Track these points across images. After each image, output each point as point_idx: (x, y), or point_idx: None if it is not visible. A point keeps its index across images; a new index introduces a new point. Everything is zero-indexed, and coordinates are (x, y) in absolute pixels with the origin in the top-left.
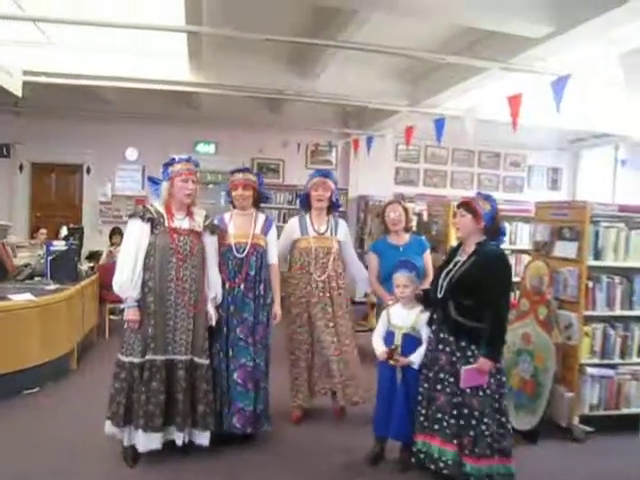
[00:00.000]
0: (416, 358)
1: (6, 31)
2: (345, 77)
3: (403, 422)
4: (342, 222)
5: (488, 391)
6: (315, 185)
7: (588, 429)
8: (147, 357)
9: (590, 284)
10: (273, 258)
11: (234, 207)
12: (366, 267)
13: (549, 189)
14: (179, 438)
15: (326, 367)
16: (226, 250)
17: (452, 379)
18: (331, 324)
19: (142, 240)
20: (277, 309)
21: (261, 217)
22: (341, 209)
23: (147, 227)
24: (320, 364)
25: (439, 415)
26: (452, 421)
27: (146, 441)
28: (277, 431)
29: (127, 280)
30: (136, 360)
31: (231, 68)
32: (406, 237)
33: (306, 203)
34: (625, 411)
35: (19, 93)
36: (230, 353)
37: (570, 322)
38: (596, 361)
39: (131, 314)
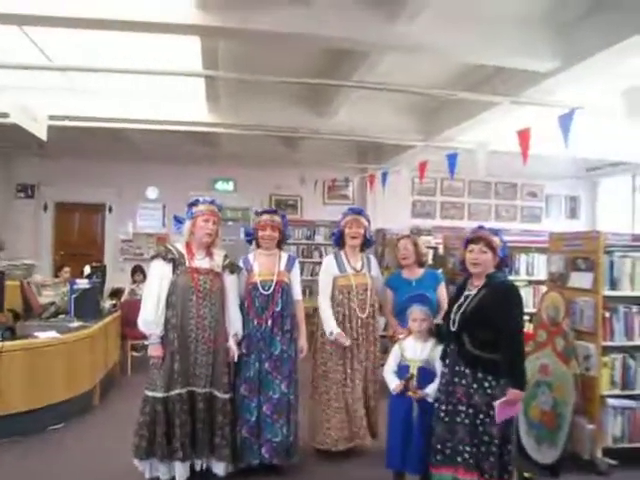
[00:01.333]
0: (431, 390)
1: (32, 77)
2: (359, 114)
3: (422, 455)
4: (373, 258)
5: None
6: (349, 223)
7: (612, 462)
8: (175, 391)
9: (607, 314)
10: (298, 294)
11: (258, 247)
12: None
13: (568, 218)
14: (197, 464)
15: (359, 409)
16: (252, 288)
17: (471, 410)
18: (367, 363)
19: (164, 279)
20: (303, 343)
21: (284, 255)
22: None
23: (169, 267)
24: (355, 405)
25: (460, 447)
26: (474, 450)
27: (183, 471)
28: (298, 464)
29: (150, 318)
30: (159, 395)
31: (248, 108)
32: (419, 271)
33: (340, 241)
34: None
35: (44, 137)
36: (260, 387)
37: (588, 353)
38: (617, 392)
39: (154, 350)
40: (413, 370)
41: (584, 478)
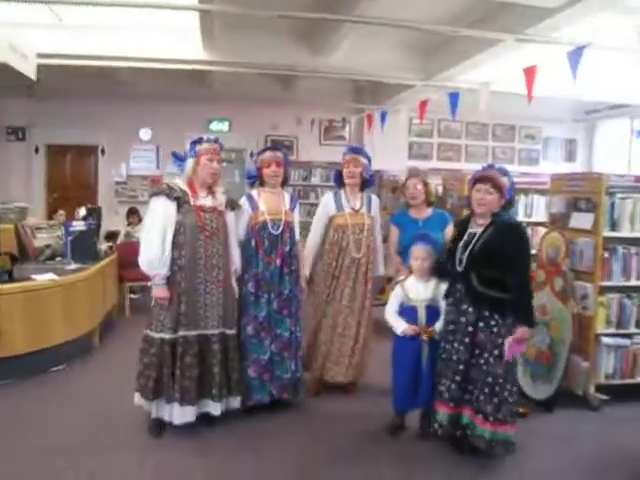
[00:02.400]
0: (439, 328)
1: (19, 14)
2: (358, 52)
3: (431, 392)
4: (375, 198)
5: (511, 360)
6: (347, 162)
7: (604, 397)
8: (180, 333)
9: (606, 255)
10: (297, 235)
11: (262, 185)
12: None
13: (565, 161)
14: (216, 409)
15: (341, 353)
16: (261, 227)
17: (476, 350)
18: (357, 304)
19: (169, 218)
20: (303, 283)
21: (287, 194)
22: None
23: (173, 205)
24: (337, 348)
25: (462, 386)
26: (476, 390)
27: (182, 414)
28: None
29: (156, 258)
30: (167, 336)
31: (244, 46)
32: (428, 211)
33: (339, 180)
34: None
35: (33, 76)
36: (270, 326)
37: (586, 293)
38: (612, 331)
39: (160, 291)
40: (421, 310)
41: (577, 413)
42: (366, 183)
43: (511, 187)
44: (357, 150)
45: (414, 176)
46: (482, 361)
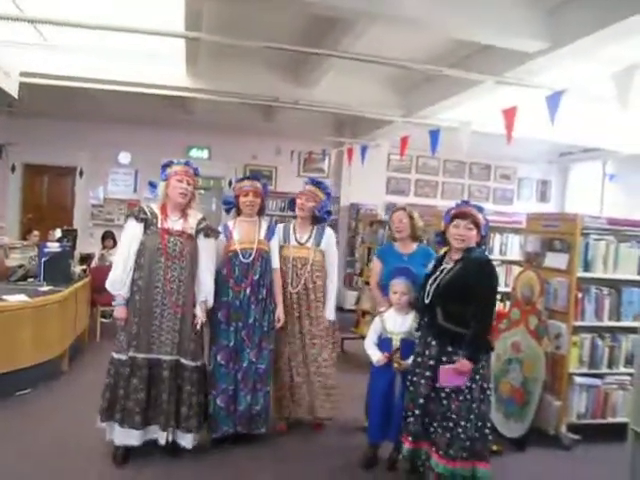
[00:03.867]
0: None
1: (3, 31)
2: (340, 86)
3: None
4: (329, 231)
5: (469, 396)
6: (301, 194)
7: (575, 437)
8: (130, 354)
9: (580, 295)
10: (275, 263)
11: (238, 214)
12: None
13: (538, 201)
14: (162, 438)
15: (301, 388)
16: (232, 256)
17: (423, 380)
18: (307, 340)
19: (134, 240)
20: (280, 312)
21: (264, 223)
22: (332, 217)
23: (140, 227)
24: (299, 382)
25: (425, 420)
26: (436, 425)
27: (123, 436)
28: (270, 435)
29: (118, 278)
30: (123, 357)
31: (227, 75)
32: (413, 246)
33: (292, 209)
34: (612, 420)
35: (15, 94)
36: (237, 354)
37: (560, 332)
38: (584, 370)
39: (119, 312)
40: (396, 342)
41: (549, 452)
42: (317, 219)
43: (486, 224)
44: (317, 183)
45: (400, 209)
46: (442, 395)
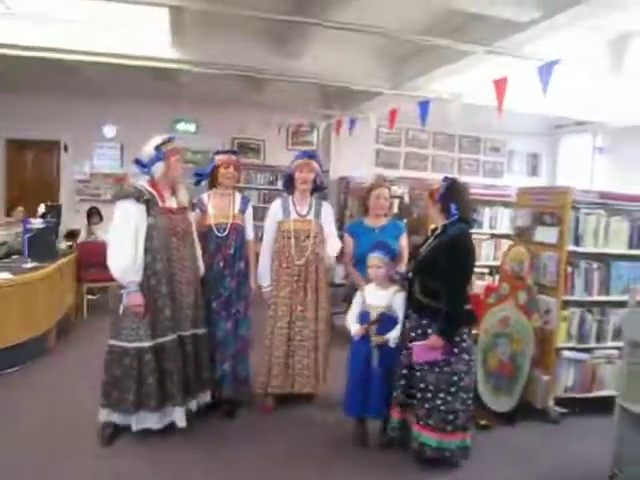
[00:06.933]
0: (393, 336)
1: None
2: (329, 58)
3: (381, 401)
4: (326, 205)
5: (447, 369)
6: (300, 166)
7: (563, 411)
8: (166, 338)
9: (569, 269)
10: (250, 235)
11: (214, 186)
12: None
13: (529, 175)
14: (181, 420)
15: (302, 361)
16: (207, 230)
17: (405, 352)
18: (310, 313)
19: (140, 223)
20: (252, 283)
21: (238, 196)
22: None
23: (143, 209)
24: (297, 359)
25: (405, 391)
26: (399, 391)
27: (160, 419)
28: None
29: (130, 265)
30: (147, 344)
31: (214, 45)
32: (383, 220)
33: (290, 185)
34: (599, 393)
35: None
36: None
37: (549, 307)
38: (573, 345)
39: (134, 299)
40: (373, 315)
41: (537, 425)
42: (316, 189)
43: (442, 192)
44: (311, 155)
45: (380, 186)
46: (420, 367)
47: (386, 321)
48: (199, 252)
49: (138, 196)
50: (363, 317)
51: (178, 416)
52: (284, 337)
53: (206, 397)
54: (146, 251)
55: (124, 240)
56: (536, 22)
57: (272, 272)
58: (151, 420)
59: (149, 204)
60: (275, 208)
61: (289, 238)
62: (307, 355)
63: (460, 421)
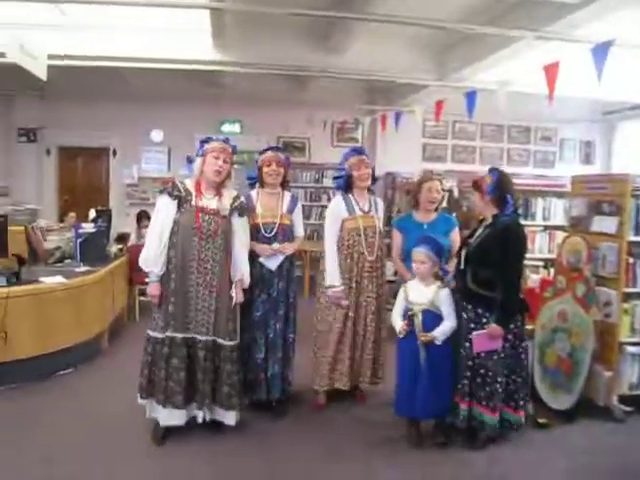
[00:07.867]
0: (439, 333)
1: (26, 14)
2: (371, 52)
3: (429, 401)
4: (380, 200)
5: (502, 354)
6: (356, 165)
7: (627, 409)
8: (167, 334)
9: (631, 260)
10: (299, 232)
11: (262, 185)
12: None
13: (582, 163)
14: (199, 416)
15: (369, 355)
16: (254, 230)
17: (467, 344)
18: (376, 307)
19: (168, 217)
20: (286, 245)
21: (287, 195)
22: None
23: (174, 204)
24: (366, 351)
25: (466, 381)
26: (466, 382)
27: (167, 416)
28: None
29: (151, 255)
30: (159, 335)
31: (255, 45)
32: (432, 215)
33: (347, 184)
34: None
35: (44, 77)
36: (264, 326)
37: (609, 299)
38: (636, 339)
39: (152, 289)
40: (417, 313)
41: (599, 424)
42: (373, 183)
43: (493, 184)
44: (361, 151)
45: (435, 179)
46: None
47: (430, 318)
48: (243, 260)
49: (171, 191)
50: (407, 315)
51: (177, 416)
52: (350, 332)
53: (229, 418)
54: (170, 245)
55: (151, 232)
56: (586, 3)
57: (342, 273)
58: (158, 413)
59: (181, 200)
60: (338, 206)
61: (359, 235)
62: (372, 348)
63: (515, 398)
